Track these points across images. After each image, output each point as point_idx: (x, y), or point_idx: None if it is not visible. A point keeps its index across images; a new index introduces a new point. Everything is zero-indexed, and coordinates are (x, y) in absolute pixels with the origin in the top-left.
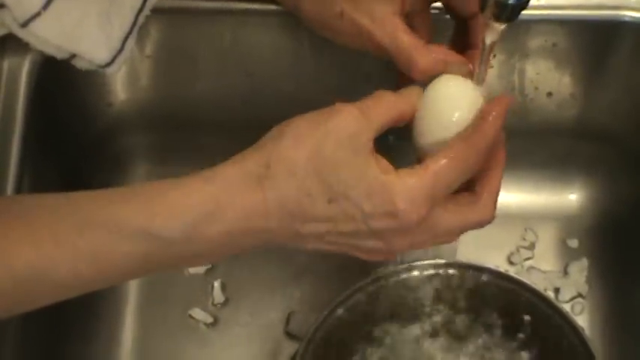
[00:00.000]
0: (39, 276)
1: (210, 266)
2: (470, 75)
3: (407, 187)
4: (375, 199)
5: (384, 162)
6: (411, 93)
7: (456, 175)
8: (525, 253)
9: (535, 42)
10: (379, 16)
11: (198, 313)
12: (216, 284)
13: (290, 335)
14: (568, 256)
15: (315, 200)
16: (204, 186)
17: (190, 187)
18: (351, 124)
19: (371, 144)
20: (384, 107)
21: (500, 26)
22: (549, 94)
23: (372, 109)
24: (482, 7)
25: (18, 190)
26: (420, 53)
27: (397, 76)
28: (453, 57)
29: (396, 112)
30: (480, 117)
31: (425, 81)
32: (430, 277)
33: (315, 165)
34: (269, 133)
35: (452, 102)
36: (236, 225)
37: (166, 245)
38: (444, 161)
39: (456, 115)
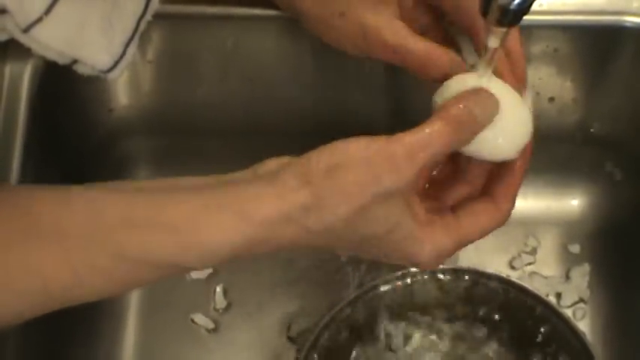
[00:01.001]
0: (70, 296)
1: (212, 271)
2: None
3: (437, 247)
4: (401, 254)
5: (419, 211)
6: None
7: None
8: (527, 259)
9: (537, 47)
10: (383, 17)
11: (200, 318)
12: (218, 289)
13: (292, 340)
14: (570, 261)
15: (343, 242)
16: (242, 224)
17: (227, 223)
18: (403, 185)
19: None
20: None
21: (503, 30)
22: (551, 99)
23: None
24: (485, 12)
25: None
26: (438, 52)
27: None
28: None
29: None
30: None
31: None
32: (431, 282)
33: (355, 224)
34: (314, 161)
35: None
36: (263, 252)
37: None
38: (477, 229)
39: None
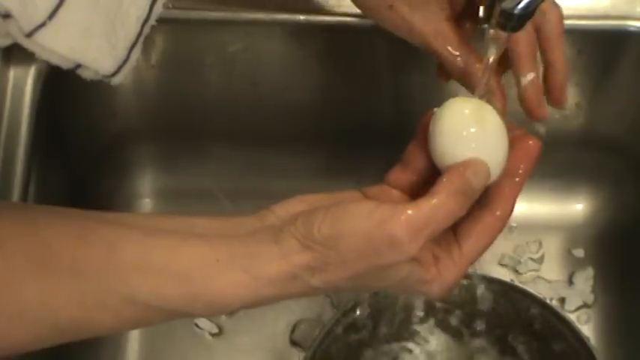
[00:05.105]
0: (79, 330)
1: None
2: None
3: (445, 283)
4: (410, 292)
5: (425, 255)
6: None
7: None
8: (531, 263)
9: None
10: (431, 19)
11: (204, 323)
12: None
13: (295, 344)
14: (574, 265)
15: (350, 290)
16: (251, 281)
17: (237, 280)
18: (405, 259)
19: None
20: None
21: (505, 36)
22: None
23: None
24: (488, 17)
25: (23, 199)
26: (473, 69)
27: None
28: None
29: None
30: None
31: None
32: None
33: (359, 281)
34: (316, 229)
35: (464, 124)
36: (272, 303)
37: None
38: (479, 249)
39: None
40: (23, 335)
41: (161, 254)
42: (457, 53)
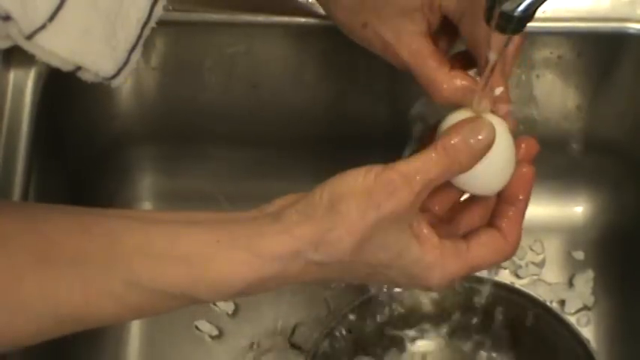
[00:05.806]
0: (81, 320)
1: None
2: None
3: (447, 272)
4: (410, 278)
5: (430, 236)
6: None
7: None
8: (531, 265)
9: (540, 54)
10: (404, 34)
11: (203, 325)
12: None
13: (295, 347)
14: (574, 268)
15: (352, 273)
16: (253, 259)
17: (238, 259)
18: (403, 210)
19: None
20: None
21: (505, 39)
22: (555, 106)
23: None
24: (488, 19)
25: (23, 200)
26: (444, 79)
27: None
28: (477, 86)
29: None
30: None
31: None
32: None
33: (362, 253)
34: (317, 197)
35: None
36: (275, 287)
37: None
38: (486, 260)
39: None
40: (26, 328)
41: (163, 239)
42: (432, 66)
